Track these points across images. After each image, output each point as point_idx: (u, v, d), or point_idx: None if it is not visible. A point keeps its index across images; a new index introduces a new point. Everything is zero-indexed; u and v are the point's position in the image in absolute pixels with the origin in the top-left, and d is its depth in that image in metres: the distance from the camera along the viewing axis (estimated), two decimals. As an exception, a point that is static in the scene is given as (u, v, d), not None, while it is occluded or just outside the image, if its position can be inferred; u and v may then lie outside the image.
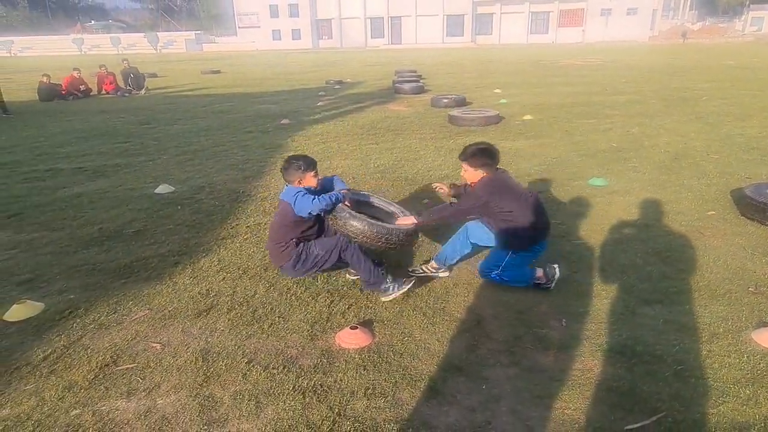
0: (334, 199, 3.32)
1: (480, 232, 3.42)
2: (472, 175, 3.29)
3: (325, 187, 3.56)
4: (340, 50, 48.13)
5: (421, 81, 14.80)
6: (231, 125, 9.81)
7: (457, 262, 3.61)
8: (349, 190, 3.60)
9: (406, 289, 3.23)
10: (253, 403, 2.40)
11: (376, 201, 3.82)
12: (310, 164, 3.38)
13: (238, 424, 2.28)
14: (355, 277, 3.48)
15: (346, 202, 3.45)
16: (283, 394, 2.44)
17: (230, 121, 10.34)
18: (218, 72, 23.65)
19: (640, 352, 2.65)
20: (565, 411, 2.28)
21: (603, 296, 3.23)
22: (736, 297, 3.16)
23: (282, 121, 9.89)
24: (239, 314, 3.17)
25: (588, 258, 3.73)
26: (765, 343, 2.67)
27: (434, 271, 3.55)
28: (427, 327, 2.96)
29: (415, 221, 3.53)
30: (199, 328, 3.04)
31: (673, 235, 4.10)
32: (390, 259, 3.79)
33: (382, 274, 3.28)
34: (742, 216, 4.39)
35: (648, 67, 19.30)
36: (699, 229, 4.19)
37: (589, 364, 2.59)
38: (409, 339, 2.85)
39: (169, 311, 3.23)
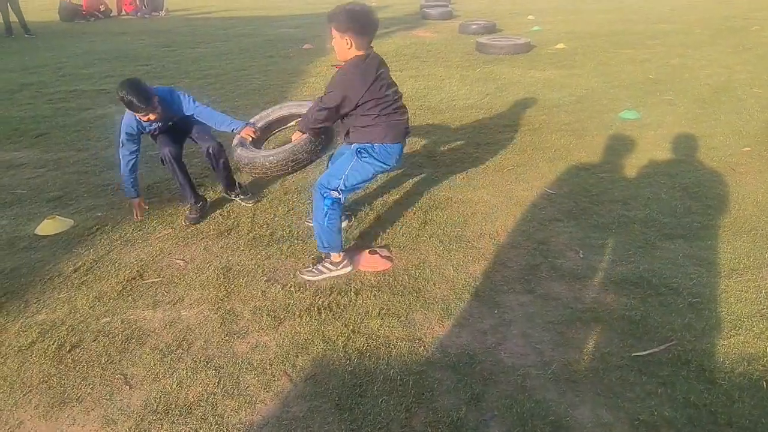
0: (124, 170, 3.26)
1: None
2: (339, 44, 2.63)
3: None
4: (366, -28, 45.63)
5: (450, 6, 14.03)
6: (252, 49, 9.57)
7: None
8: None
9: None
10: (272, 317, 2.50)
11: (273, 114, 3.50)
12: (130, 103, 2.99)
13: (257, 336, 2.40)
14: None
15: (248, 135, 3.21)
16: (300, 311, 2.53)
17: (251, 45, 10.08)
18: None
19: (656, 284, 2.64)
20: (575, 337, 2.32)
21: (624, 229, 3.18)
22: (762, 234, 3.07)
23: (304, 46, 9.60)
24: (259, 235, 3.24)
25: (611, 191, 3.65)
26: (786, 281, 2.63)
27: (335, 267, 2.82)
28: (443, 254, 2.98)
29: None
30: (221, 248, 3.12)
31: (704, 171, 3.96)
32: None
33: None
34: (779, 153, 4.20)
35: (696, -6, 17.87)
36: (732, 165, 4.03)
37: (602, 293, 2.60)
38: (425, 264, 2.89)
39: (191, 231, 3.32)
